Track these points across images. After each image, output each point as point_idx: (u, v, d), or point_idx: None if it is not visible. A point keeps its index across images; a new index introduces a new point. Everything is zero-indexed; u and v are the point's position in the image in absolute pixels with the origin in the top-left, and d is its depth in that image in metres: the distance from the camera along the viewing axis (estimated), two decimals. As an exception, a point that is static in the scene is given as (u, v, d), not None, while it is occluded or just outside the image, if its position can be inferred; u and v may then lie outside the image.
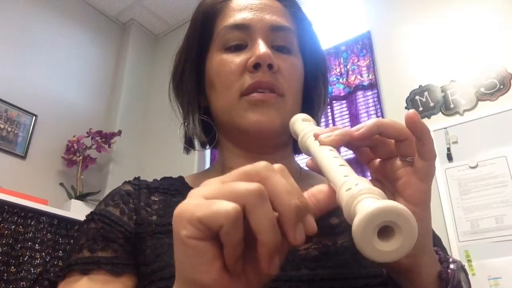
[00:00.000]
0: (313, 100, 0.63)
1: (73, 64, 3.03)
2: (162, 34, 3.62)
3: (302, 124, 0.47)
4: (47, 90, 2.80)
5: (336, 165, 0.33)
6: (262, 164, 0.30)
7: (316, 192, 0.34)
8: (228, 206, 0.27)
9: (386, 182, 0.39)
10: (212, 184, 0.30)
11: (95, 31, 3.28)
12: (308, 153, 0.41)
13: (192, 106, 0.61)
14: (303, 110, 0.60)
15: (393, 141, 0.38)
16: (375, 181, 0.40)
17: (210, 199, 0.28)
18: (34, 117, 2.66)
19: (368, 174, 0.43)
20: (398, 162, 0.37)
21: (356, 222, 0.26)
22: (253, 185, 0.28)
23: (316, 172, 0.39)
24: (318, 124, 0.61)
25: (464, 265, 0.43)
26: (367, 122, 0.37)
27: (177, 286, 0.30)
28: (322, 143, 0.38)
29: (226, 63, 0.55)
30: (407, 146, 0.36)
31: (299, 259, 0.47)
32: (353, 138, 0.37)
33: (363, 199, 0.27)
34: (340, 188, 0.30)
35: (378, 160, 0.40)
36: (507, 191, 1.75)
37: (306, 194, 0.34)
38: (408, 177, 0.36)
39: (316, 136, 0.40)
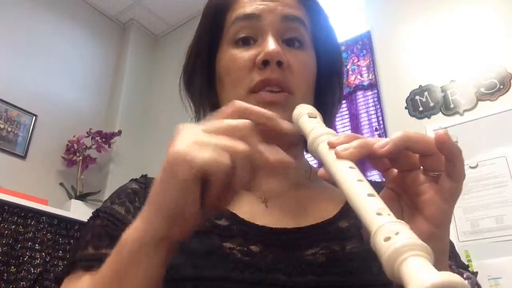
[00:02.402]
0: (326, 97, 0.60)
1: (73, 64, 3.02)
2: (162, 34, 3.62)
3: (309, 122, 0.43)
4: (47, 90, 2.80)
5: (364, 194, 0.31)
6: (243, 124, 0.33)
7: None
8: (225, 159, 0.30)
9: (403, 195, 0.37)
10: (198, 132, 0.33)
11: (95, 31, 3.28)
12: (318, 157, 0.38)
13: (202, 103, 0.60)
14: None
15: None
16: (391, 192, 0.38)
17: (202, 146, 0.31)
18: (34, 117, 2.66)
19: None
20: (421, 176, 0.35)
21: None
22: (240, 146, 0.31)
23: (331, 183, 0.36)
24: (330, 124, 0.59)
25: (478, 281, 0.41)
26: (393, 136, 0.34)
27: (155, 220, 0.33)
28: (339, 157, 0.35)
29: (235, 59, 0.54)
30: (434, 161, 0.34)
31: (305, 265, 0.45)
32: (378, 155, 0.34)
33: (409, 258, 0.26)
34: (376, 233, 0.28)
35: (397, 170, 0.37)
36: (507, 191, 1.75)
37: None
38: (431, 195, 0.34)
39: (331, 145, 0.36)
